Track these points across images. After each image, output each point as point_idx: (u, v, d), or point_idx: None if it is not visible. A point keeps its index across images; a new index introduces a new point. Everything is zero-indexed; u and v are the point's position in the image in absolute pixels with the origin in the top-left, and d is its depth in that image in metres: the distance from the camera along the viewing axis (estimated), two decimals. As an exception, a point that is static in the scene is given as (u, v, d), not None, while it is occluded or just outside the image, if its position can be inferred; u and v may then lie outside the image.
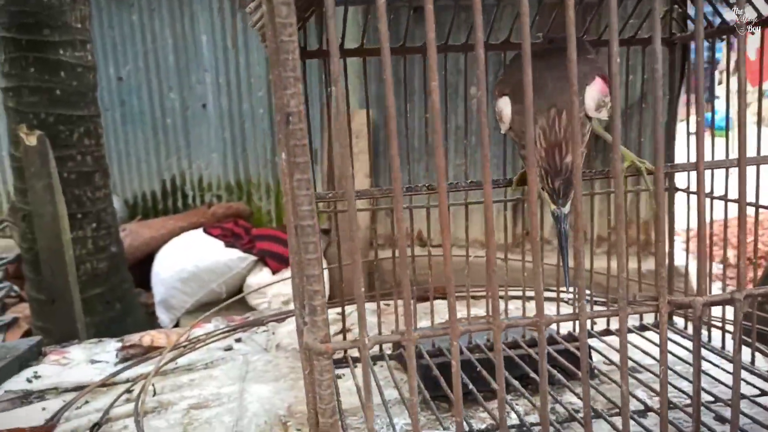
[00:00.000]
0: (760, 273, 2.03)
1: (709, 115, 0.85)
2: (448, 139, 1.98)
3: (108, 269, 2.31)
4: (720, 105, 1.19)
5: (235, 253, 2.79)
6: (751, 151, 0.66)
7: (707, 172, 0.84)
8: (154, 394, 0.91)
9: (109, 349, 1.14)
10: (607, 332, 0.96)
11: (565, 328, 0.92)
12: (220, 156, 3.26)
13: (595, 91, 0.66)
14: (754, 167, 0.74)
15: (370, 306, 1.07)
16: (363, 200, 0.85)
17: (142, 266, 2.85)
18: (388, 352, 0.95)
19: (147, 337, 1.18)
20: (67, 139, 2.13)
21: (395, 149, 0.37)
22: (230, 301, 1.70)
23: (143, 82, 3.14)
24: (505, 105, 0.69)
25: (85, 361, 1.09)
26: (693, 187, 0.85)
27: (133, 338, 1.17)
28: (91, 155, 2.20)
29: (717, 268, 1.81)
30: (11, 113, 2.11)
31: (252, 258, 2.80)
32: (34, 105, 2.09)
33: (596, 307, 1.03)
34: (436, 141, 0.39)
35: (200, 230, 2.97)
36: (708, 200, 0.82)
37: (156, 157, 3.27)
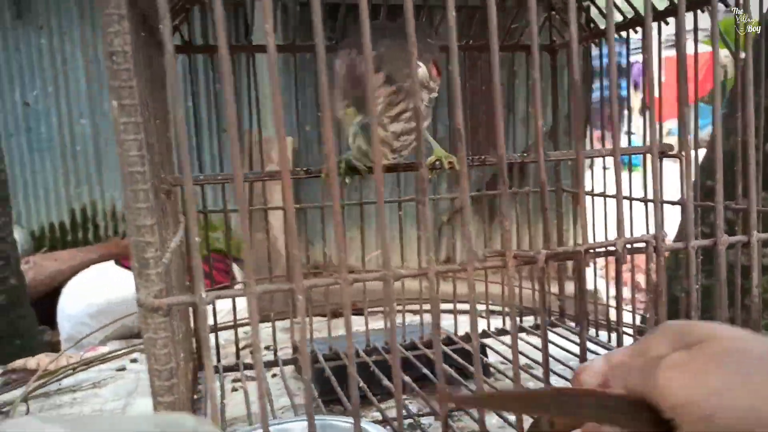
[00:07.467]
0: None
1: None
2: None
3: (6, 303, 2.15)
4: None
5: (150, 285, 2.66)
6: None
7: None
8: (27, 412, 0.84)
9: (-9, 374, 1.06)
10: (503, 332, 0.97)
11: (463, 328, 0.92)
12: (135, 185, 3.13)
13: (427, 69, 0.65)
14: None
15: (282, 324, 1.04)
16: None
17: (45, 302, 2.68)
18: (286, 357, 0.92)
19: (32, 361, 1.10)
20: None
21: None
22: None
23: (52, 107, 2.99)
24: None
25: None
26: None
27: (18, 362, 1.10)
28: (-14, 181, 2.06)
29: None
30: None
31: (167, 289, 2.69)
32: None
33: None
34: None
35: (112, 262, 2.83)
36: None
37: (65, 186, 3.09)
